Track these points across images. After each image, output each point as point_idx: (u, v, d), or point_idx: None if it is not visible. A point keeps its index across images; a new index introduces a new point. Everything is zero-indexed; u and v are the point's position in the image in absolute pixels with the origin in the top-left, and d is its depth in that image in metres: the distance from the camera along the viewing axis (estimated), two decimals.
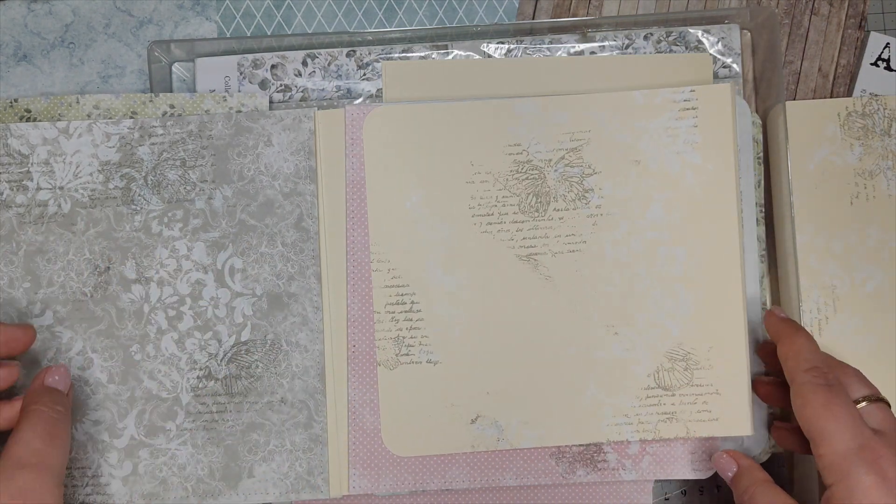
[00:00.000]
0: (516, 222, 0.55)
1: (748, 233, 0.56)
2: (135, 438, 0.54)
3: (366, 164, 0.55)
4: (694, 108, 0.55)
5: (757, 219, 0.56)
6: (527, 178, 0.55)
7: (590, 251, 0.55)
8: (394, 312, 0.55)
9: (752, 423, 0.54)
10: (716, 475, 0.56)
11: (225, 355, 0.54)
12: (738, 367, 0.54)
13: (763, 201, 0.57)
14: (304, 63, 0.58)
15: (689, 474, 0.55)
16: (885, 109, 0.58)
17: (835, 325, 0.56)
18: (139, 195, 0.55)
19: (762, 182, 0.57)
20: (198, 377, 0.54)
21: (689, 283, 0.54)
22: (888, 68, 0.60)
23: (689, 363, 0.54)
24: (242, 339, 0.54)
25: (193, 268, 0.55)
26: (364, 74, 0.58)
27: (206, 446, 0.54)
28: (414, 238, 0.55)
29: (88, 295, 0.54)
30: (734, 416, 0.54)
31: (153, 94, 0.56)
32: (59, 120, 0.55)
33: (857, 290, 0.57)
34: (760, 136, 0.57)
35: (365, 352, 0.55)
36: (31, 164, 0.55)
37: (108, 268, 0.55)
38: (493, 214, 0.55)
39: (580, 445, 0.55)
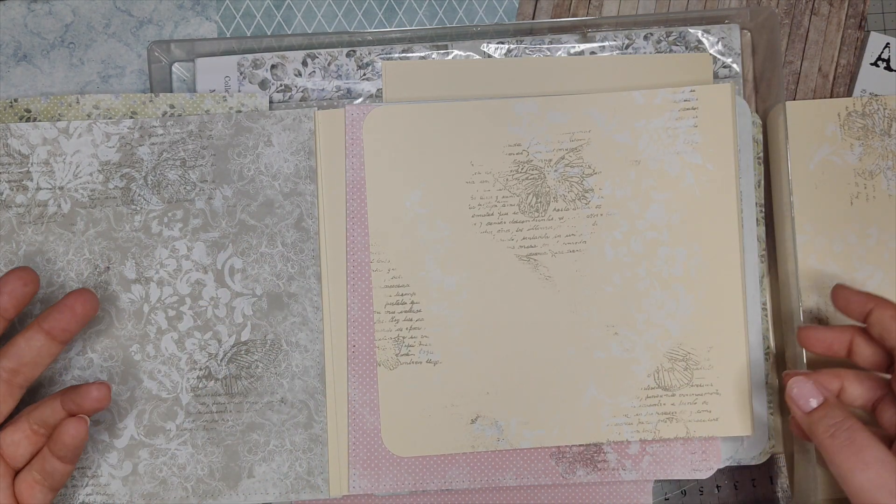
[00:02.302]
0: (516, 222, 0.55)
1: (748, 233, 0.55)
2: (135, 438, 0.53)
3: (366, 164, 0.55)
4: (694, 109, 0.54)
5: (757, 219, 0.56)
6: (527, 178, 0.55)
7: (590, 251, 0.54)
8: (394, 312, 0.55)
9: (752, 423, 0.54)
10: (716, 475, 0.56)
11: (225, 355, 0.54)
12: (738, 367, 0.54)
13: (763, 201, 0.56)
14: (304, 63, 0.58)
15: (688, 474, 0.54)
16: (885, 109, 0.57)
17: (834, 325, 0.56)
18: (139, 195, 0.55)
19: (762, 182, 0.57)
20: (198, 377, 0.54)
21: (689, 283, 0.54)
22: (888, 68, 0.59)
23: (689, 363, 0.54)
24: (242, 339, 0.54)
25: (193, 268, 0.54)
26: (364, 74, 0.58)
27: (206, 446, 0.54)
28: (414, 238, 0.55)
29: None
30: (734, 416, 0.54)
31: (153, 94, 0.56)
32: (59, 120, 0.55)
33: None
34: (760, 136, 0.57)
35: (365, 352, 0.55)
36: (31, 164, 0.55)
37: (108, 268, 0.54)
38: (493, 214, 0.55)
39: (580, 445, 0.54)
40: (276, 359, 0.54)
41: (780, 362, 0.56)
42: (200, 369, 0.54)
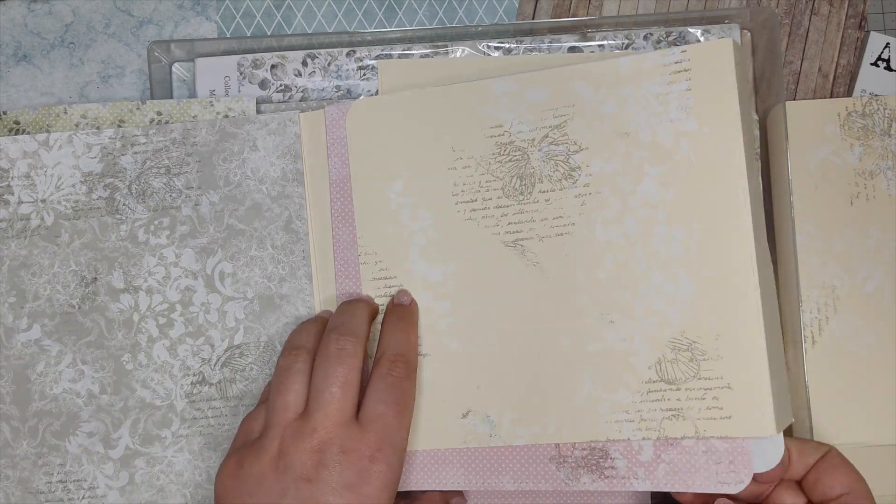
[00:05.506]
0: (500, 207, 0.49)
1: None
2: (130, 448, 0.50)
3: (350, 156, 0.50)
4: (686, 70, 0.46)
5: None
6: (510, 160, 0.49)
7: (579, 234, 0.48)
8: (382, 305, 0.50)
9: (775, 421, 0.44)
10: None
11: (218, 360, 0.51)
12: (754, 356, 0.44)
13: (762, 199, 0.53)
14: (304, 63, 0.55)
15: (714, 487, 0.45)
16: (885, 109, 0.53)
17: (835, 325, 0.52)
18: (124, 204, 0.51)
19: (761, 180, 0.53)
20: (192, 383, 0.50)
21: (691, 264, 0.46)
22: (888, 68, 0.56)
23: (694, 353, 0.46)
24: (235, 343, 0.51)
25: (182, 274, 0.51)
26: (364, 74, 0.54)
27: (203, 452, 0.50)
28: (399, 228, 0.50)
29: (76, 307, 0.50)
30: (751, 413, 0.44)
31: (140, 102, 0.52)
32: (48, 130, 0.51)
33: (857, 290, 0.52)
34: (758, 133, 0.53)
35: None
36: (12, 177, 0.51)
37: (95, 278, 0.51)
38: (476, 200, 0.49)
39: (583, 449, 0.48)
40: (270, 360, 0.50)
41: None
42: (194, 375, 0.50)
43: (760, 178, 0.53)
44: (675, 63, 0.47)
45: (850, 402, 0.52)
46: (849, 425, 0.52)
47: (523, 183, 0.49)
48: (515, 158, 0.49)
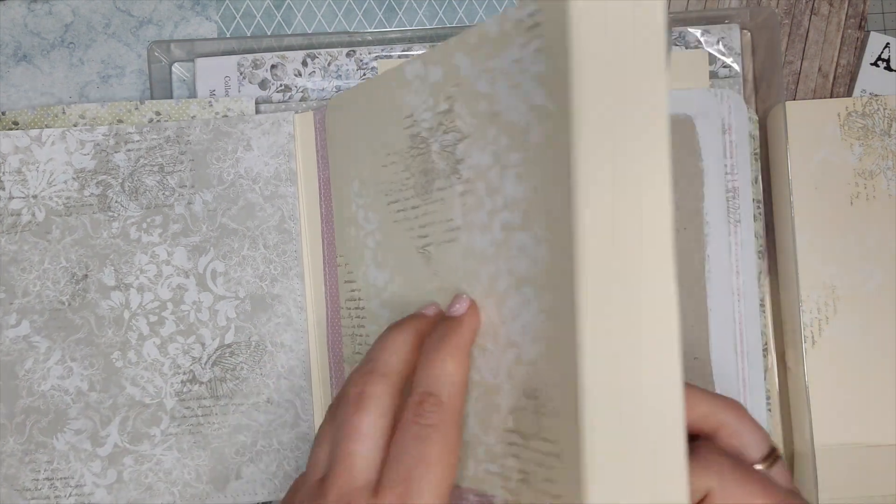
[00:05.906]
0: (414, 207, 0.41)
1: (745, 229, 0.50)
2: (118, 446, 0.50)
3: (329, 157, 0.49)
4: (538, 25, 0.32)
5: (754, 215, 0.51)
6: (419, 154, 0.41)
7: (463, 239, 0.38)
8: (350, 309, 0.48)
9: None
10: None
11: (209, 359, 0.50)
12: (576, 419, 0.30)
13: (761, 198, 0.51)
14: (304, 63, 0.54)
15: None
16: (885, 109, 0.52)
17: (835, 325, 0.51)
18: (116, 202, 0.51)
19: (759, 178, 0.52)
20: (182, 381, 0.50)
21: (536, 282, 0.33)
22: (888, 68, 0.55)
23: (538, 404, 0.33)
24: (226, 342, 0.50)
25: (174, 273, 0.50)
26: (364, 74, 0.54)
27: (192, 450, 0.50)
28: (357, 231, 0.47)
29: (66, 303, 0.50)
30: (573, 500, 0.31)
31: (139, 102, 0.52)
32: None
33: (857, 290, 0.51)
34: (757, 132, 0.52)
35: (338, 349, 0.50)
36: (3, 172, 0.50)
37: (86, 275, 0.50)
38: (399, 201, 0.42)
39: (475, 494, 0.38)
40: (261, 360, 0.50)
41: (780, 362, 0.52)
42: (184, 373, 0.50)
43: (759, 177, 0.52)
44: (529, 16, 0.33)
45: (850, 402, 0.51)
46: (849, 425, 0.51)
47: (427, 179, 0.41)
48: (422, 152, 0.41)
